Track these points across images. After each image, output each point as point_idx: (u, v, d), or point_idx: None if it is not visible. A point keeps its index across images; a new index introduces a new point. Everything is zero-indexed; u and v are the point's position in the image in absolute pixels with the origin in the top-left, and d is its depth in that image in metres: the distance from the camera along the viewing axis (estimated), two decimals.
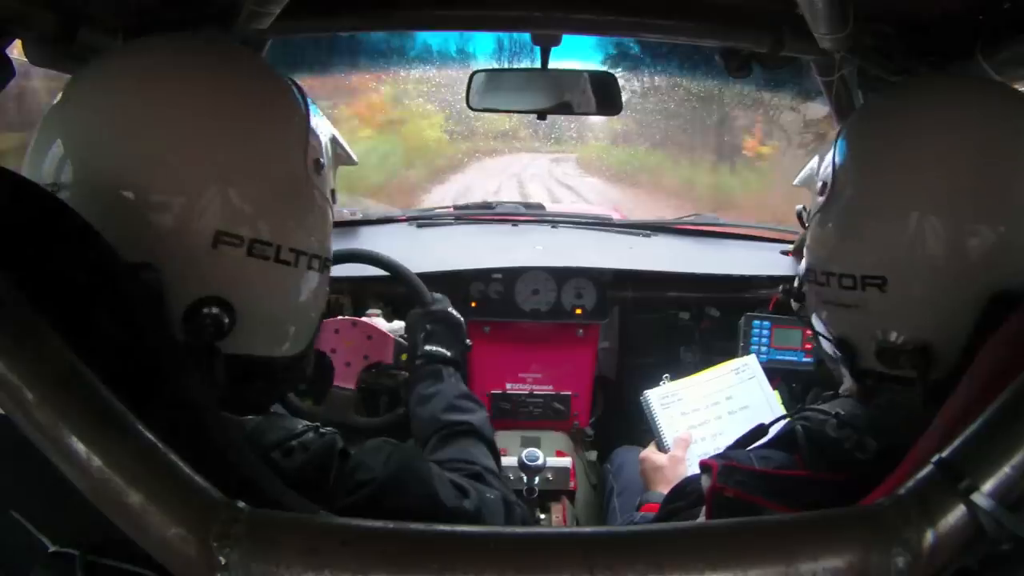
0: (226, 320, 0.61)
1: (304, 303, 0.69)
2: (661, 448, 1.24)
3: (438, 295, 1.23)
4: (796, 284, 0.87)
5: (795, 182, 0.85)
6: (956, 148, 0.67)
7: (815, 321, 0.80)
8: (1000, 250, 0.65)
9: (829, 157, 0.77)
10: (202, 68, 0.65)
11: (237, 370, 0.63)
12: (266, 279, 0.64)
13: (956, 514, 0.37)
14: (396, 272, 1.25)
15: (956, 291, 0.66)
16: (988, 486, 0.37)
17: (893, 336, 0.69)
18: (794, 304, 0.90)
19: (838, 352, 0.76)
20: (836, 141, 0.77)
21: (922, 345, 0.68)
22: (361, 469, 0.67)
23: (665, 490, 1.01)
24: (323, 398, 1.17)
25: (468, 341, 1.19)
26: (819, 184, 0.78)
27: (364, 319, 1.25)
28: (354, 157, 0.81)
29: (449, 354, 1.11)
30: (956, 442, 0.39)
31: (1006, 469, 0.37)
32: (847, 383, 0.79)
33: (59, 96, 0.65)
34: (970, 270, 0.65)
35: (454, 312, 1.19)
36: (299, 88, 0.70)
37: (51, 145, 0.61)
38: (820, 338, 0.80)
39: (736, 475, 0.71)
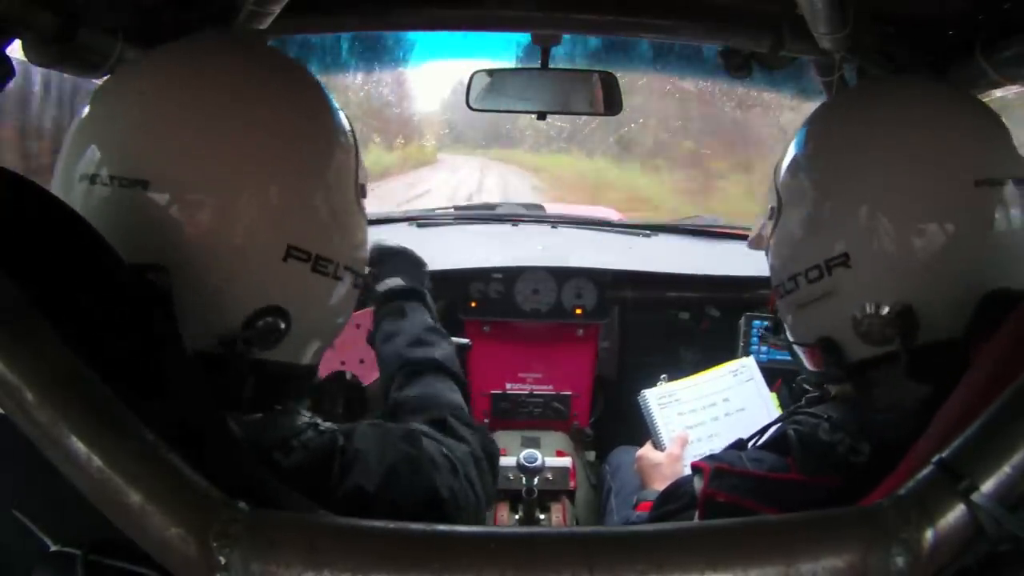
0: (281, 327, 0.64)
1: (342, 318, 0.73)
2: (658, 447, 1.24)
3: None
4: (773, 325, 0.88)
5: (748, 246, 0.88)
6: (909, 123, 0.71)
7: (792, 335, 0.81)
8: (952, 209, 0.67)
9: (771, 185, 0.80)
10: (280, 87, 0.67)
11: (261, 374, 0.65)
12: (321, 293, 0.68)
13: (956, 514, 0.37)
14: None
15: (916, 246, 0.68)
16: (988, 486, 0.37)
17: (870, 309, 0.70)
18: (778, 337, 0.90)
19: (824, 356, 0.75)
20: (778, 164, 0.80)
21: (901, 307, 0.68)
22: (357, 462, 0.67)
23: (662, 487, 1.01)
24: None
25: (468, 340, 1.18)
26: (768, 210, 0.80)
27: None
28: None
29: (408, 284, 1.01)
30: (956, 442, 0.39)
31: (1006, 469, 0.37)
32: (836, 388, 0.79)
33: (111, 96, 0.65)
34: (924, 223, 0.68)
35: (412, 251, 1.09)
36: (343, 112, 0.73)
37: (90, 147, 0.61)
38: (802, 354, 0.80)
39: (728, 479, 0.71)
